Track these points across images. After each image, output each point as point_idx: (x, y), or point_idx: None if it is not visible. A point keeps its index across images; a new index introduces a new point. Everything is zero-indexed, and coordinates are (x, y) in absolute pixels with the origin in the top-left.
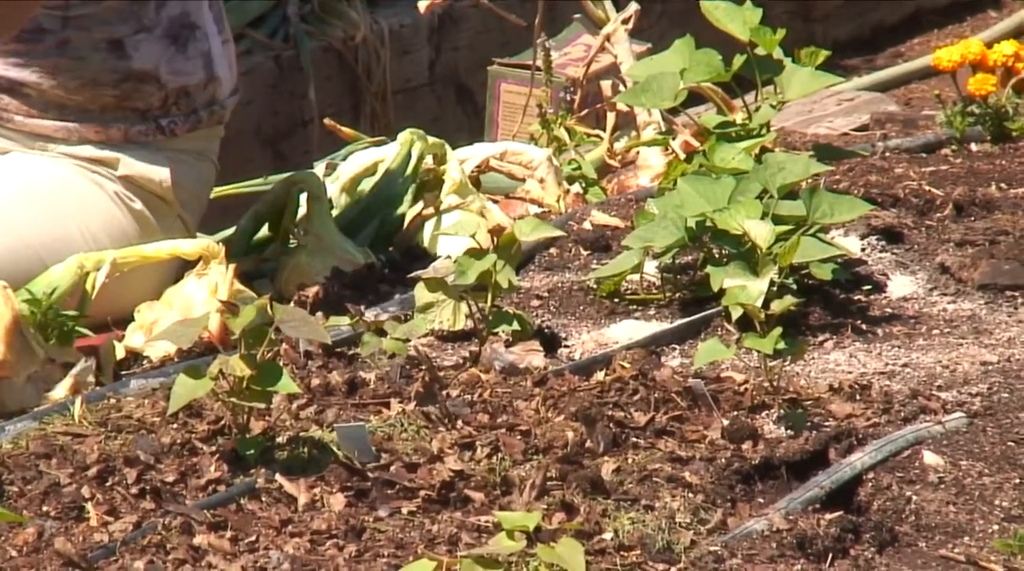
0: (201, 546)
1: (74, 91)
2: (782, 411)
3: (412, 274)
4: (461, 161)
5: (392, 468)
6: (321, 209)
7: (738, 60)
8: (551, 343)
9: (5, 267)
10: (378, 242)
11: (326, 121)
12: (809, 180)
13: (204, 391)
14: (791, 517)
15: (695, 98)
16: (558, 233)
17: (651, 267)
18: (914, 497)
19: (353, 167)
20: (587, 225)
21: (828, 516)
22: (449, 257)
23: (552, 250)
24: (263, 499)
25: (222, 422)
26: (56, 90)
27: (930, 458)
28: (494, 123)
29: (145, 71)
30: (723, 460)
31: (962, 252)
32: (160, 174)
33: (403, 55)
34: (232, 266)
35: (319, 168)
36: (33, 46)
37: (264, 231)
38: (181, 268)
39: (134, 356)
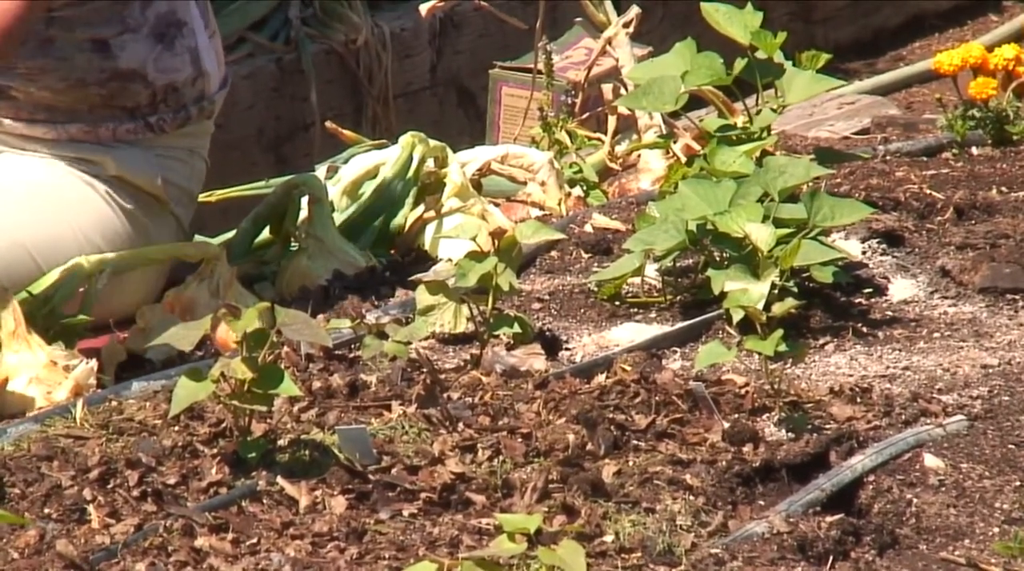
0: (202, 548)
1: (61, 92)
2: (783, 414)
3: (413, 277)
4: (462, 164)
5: (393, 470)
6: (322, 212)
7: (739, 64)
8: (552, 346)
9: (12, 275)
10: (379, 245)
11: (327, 124)
12: (810, 183)
13: (205, 394)
14: (792, 519)
15: (696, 101)
16: (559, 236)
17: (652, 270)
18: (915, 500)
19: (354, 170)
20: (588, 228)
21: (829, 518)
22: (450, 260)
23: (553, 253)
24: (264, 501)
25: (223, 425)
26: (43, 91)
27: (931, 461)
28: (495, 126)
29: (132, 70)
30: (724, 463)
31: (963, 255)
32: (151, 172)
33: (404, 58)
34: (233, 269)
35: (320, 171)
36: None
37: (265, 234)
38: (182, 271)
39: (135, 358)
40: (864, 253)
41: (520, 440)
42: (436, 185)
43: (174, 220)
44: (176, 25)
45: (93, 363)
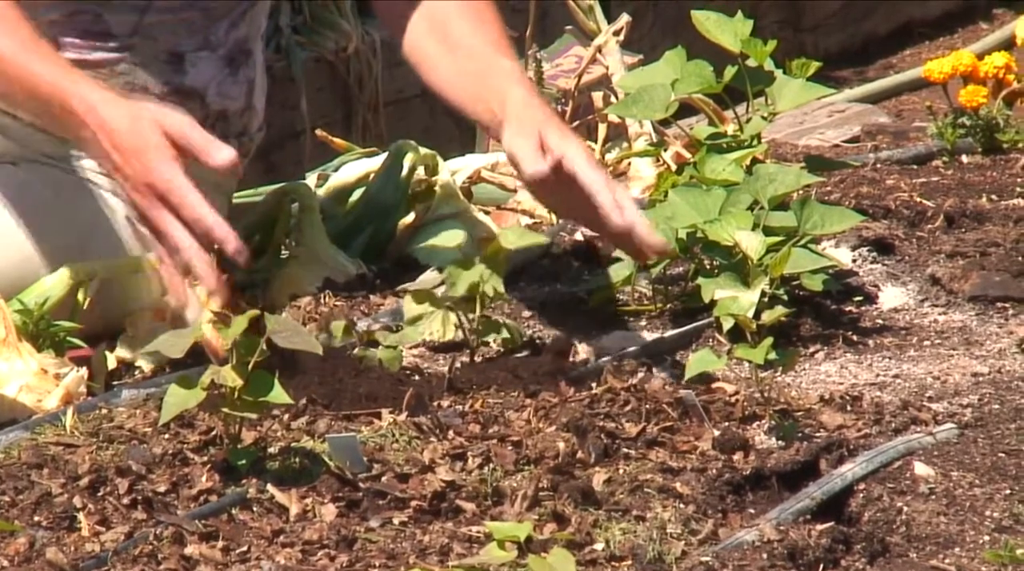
0: (192, 556)
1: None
2: (773, 422)
3: (400, 286)
4: (453, 172)
5: (383, 478)
6: (312, 220)
7: (729, 71)
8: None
9: (4, 282)
10: (370, 253)
11: (318, 132)
12: (800, 191)
13: (196, 401)
14: (782, 528)
15: (686, 109)
16: (544, 240)
17: (642, 278)
18: (905, 508)
19: (345, 178)
20: (579, 236)
21: (819, 527)
22: (435, 269)
23: (544, 261)
24: (254, 509)
25: (214, 432)
26: None
27: (921, 469)
28: (486, 134)
29: (195, 88)
30: (714, 471)
31: (953, 263)
32: None
33: (395, 66)
34: (225, 277)
35: (311, 179)
36: (95, 46)
37: (256, 242)
38: None
39: (126, 366)
40: (854, 261)
41: (510, 448)
42: (426, 193)
43: None
44: (246, 53)
45: (83, 371)
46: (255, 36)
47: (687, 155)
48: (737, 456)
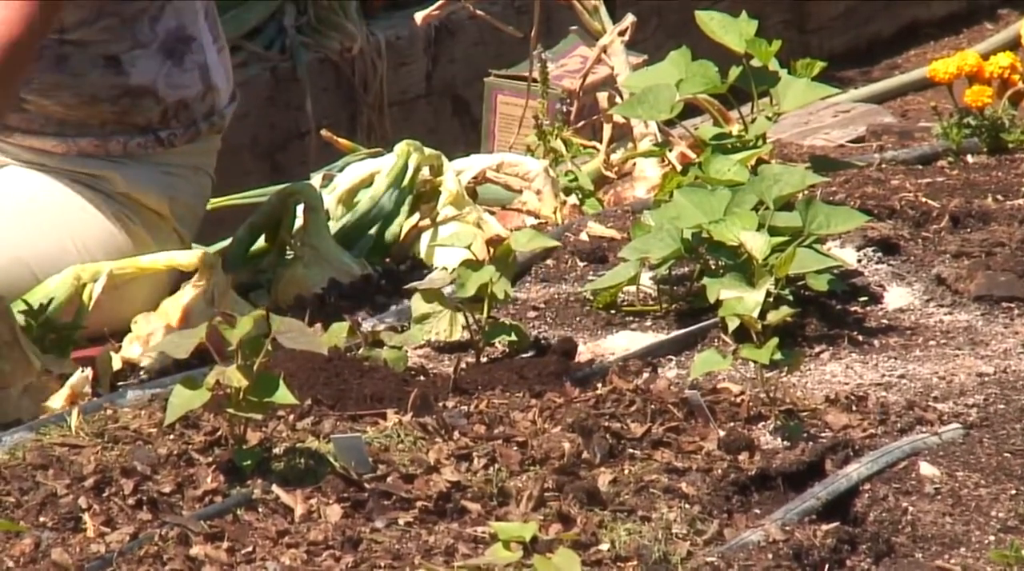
0: (198, 557)
1: (73, 107)
2: (778, 422)
3: (408, 285)
4: (458, 172)
5: (389, 479)
6: (318, 220)
7: (734, 72)
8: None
9: None
10: (375, 253)
11: (323, 132)
12: (805, 191)
13: (201, 402)
14: (787, 528)
15: (691, 110)
16: (554, 243)
17: (647, 278)
18: (910, 508)
19: (350, 178)
20: (583, 236)
21: (824, 527)
22: (445, 268)
23: (549, 262)
24: (260, 510)
25: (219, 433)
26: (56, 107)
27: (926, 469)
28: (491, 134)
29: (143, 86)
30: (719, 471)
31: (958, 263)
32: (157, 190)
33: (399, 67)
34: (229, 277)
35: (316, 179)
36: (35, 66)
37: (261, 242)
38: (177, 279)
39: (131, 367)
40: (859, 261)
41: (516, 448)
42: (431, 193)
43: (178, 238)
44: (185, 41)
45: (88, 372)
46: (192, 22)
47: (692, 155)
48: (742, 456)
